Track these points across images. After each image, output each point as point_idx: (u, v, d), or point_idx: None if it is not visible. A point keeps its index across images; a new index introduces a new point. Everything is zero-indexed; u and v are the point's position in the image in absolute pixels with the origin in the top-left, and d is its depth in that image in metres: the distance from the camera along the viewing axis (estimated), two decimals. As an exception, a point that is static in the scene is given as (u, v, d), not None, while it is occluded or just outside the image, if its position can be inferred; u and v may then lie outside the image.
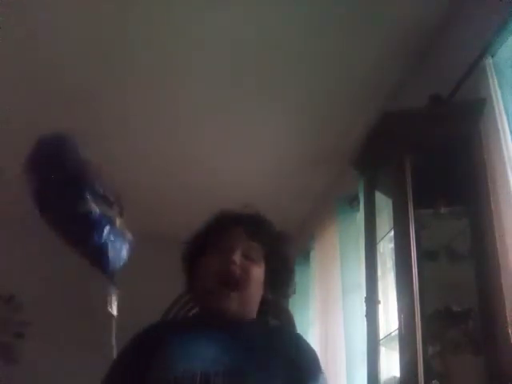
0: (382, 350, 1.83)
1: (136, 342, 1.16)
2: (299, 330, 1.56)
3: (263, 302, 1.24)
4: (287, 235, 1.30)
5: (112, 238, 1.20)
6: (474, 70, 1.83)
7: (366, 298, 1.88)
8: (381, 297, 1.90)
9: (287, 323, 1.44)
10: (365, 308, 1.87)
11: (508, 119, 1.65)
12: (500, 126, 1.64)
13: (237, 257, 1.17)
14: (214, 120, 2.84)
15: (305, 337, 1.25)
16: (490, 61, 1.76)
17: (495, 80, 1.73)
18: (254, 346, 1.12)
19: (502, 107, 1.68)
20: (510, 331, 1.42)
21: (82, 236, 1.19)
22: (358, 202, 2.51)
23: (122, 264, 1.27)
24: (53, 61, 2.44)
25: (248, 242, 1.21)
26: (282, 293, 1.30)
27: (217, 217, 1.28)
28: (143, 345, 1.13)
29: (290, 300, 3.42)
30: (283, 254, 1.27)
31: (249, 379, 1.04)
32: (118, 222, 1.22)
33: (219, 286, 1.15)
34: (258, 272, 1.19)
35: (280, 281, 1.27)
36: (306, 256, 3.34)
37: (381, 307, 1.89)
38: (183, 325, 1.27)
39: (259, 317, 1.24)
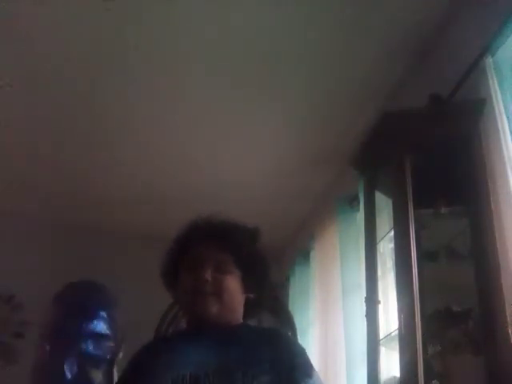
0: (382, 349, 1.83)
1: (135, 358, 1.23)
2: (299, 329, 1.57)
3: (247, 304, 1.28)
4: (257, 234, 1.33)
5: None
6: (473, 70, 1.82)
7: (365, 298, 1.88)
8: (381, 297, 1.90)
9: (287, 323, 1.45)
10: (365, 308, 1.87)
11: (508, 119, 1.65)
12: (500, 126, 1.64)
13: (208, 274, 1.21)
14: (214, 120, 2.84)
15: (305, 337, 1.27)
16: (490, 61, 1.75)
17: (495, 80, 1.72)
18: (241, 347, 1.16)
19: (501, 107, 1.67)
20: (510, 331, 1.42)
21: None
22: (358, 202, 2.51)
23: None
24: (53, 62, 2.43)
25: (219, 255, 1.25)
26: (262, 289, 1.32)
27: (188, 231, 1.32)
28: (140, 360, 1.21)
29: (290, 300, 3.44)
30: (254, 256, 1.31)
31: (237, 377, 1.08)
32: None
33: (197, 297, 1.21)
34: (232, 281, 1.24)
35: (257, 280, 1.30)
36: (306, 256, 3.34)
37: (381, 307, 1.89)
38: (174, 336, 1.36)
39: (246, 318, 1.28)
